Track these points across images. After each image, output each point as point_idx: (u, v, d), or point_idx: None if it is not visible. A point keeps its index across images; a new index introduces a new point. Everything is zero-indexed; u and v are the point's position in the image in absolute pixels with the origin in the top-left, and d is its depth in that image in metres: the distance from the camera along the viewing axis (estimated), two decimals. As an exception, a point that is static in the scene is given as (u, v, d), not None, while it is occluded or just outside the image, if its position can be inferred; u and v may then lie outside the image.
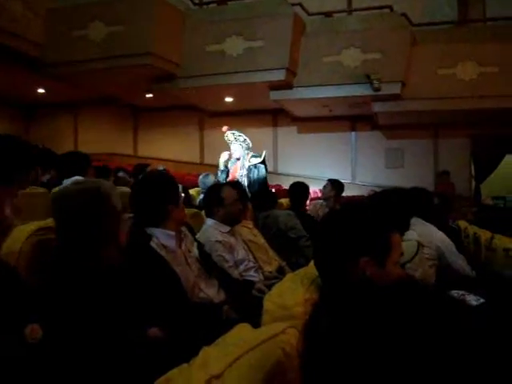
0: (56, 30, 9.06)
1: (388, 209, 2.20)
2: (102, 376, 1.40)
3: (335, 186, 5.88)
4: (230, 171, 7.28)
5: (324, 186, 6.06)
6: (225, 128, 7.64)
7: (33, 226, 2.07)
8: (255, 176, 7.11)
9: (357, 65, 9.60)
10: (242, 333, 1.04)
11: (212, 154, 12.65)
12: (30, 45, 8.77)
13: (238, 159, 7.31)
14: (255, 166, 7.20)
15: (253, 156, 7.29)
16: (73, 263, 1.73)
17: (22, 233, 1.97)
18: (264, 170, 7.26)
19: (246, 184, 6.90)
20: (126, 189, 3.85)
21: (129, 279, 2.10)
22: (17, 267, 1.77)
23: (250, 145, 7.36)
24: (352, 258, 1.42)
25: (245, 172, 7.19)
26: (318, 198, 7.08)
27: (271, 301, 1.46)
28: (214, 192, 3.44)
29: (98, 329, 1.53)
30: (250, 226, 3.88)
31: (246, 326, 1.13)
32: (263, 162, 7.31)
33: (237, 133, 7.39)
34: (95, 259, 1.78)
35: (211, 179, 6.77)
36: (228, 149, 7.47)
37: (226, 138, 7.46)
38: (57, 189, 3.43)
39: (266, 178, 7.26)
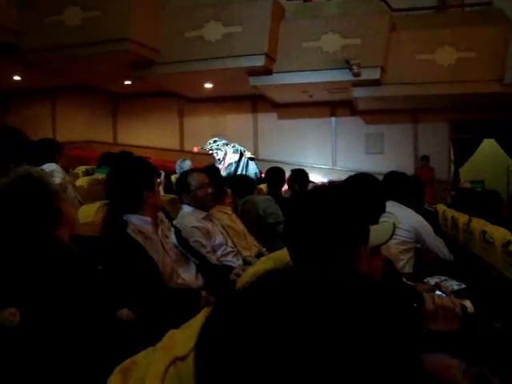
0: (30, 15, 8.89)
1: (363, 192, 2.19)
2: (70, 357, 1.38)
3: (297, 178, 5.58)
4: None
5: (288, 178, 5.81)
6: (196, 149, 7.74)
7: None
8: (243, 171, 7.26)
9: (336, 50, 9.58)
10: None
11: (192, 141, 12.60)
12: (3, 31, 8.60)
13: (220, 160, 7.41)
14: (237, 163, 7.32)
15: (233, 152, 7.40)
16: (26, 248, 1.69)
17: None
18: (254, 169, 7.39)
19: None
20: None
21: (104, 265, 2.09)
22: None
23: (223, 142, 7.47)
24: (352, 247, 1.30)
25: (230, 170, 7.32)
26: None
27: (243, 283, 1.45)
28: (182, 178, 3.44)
29: (61, 311, 1.51)
30: (229, 211, 3.87)
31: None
32: (241, 157, 7.39)
33: (207, 145, 7.48)
34: (46, 241, 1.73)
35: (188, 163, 6.76)
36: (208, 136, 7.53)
37: (208, 149, 7.54)
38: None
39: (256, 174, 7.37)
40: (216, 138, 7.51)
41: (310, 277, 1.26)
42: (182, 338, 0.79)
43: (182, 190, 3.40)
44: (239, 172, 7.48)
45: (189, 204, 3.35)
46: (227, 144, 7.49)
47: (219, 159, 7.53)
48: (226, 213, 3.78)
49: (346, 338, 0.74)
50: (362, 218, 1.35)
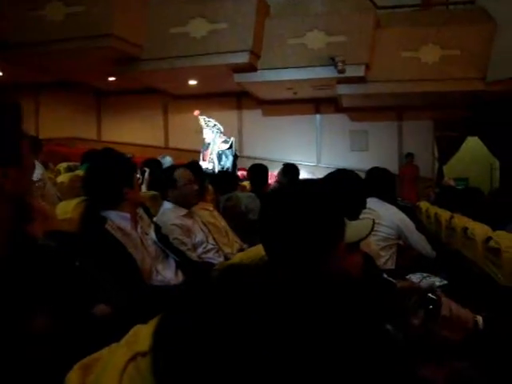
0: (12, 10, 8.77)
1: (343, 188, 2.18)
2: (41, 352, 1.36)
3: (287, 173, 5.57)
4: (201, 156, 7.35)
5: (279, 172, 5.83)
6: (196, 112, 7.66)
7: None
8: (224, 163, 7.19)
9: (321, 47, 9.59)
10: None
11: (177, 138, 12.57)
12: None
13: (209, 144, 7.35)
14: (224, 151, 7.27)
15: (223, 142, 7.35)
16: None
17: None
18: (231, 158, 7.32)
19: (215, 169, 6.95)
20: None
21: (82, 261, 2.06)
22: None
23: (222, 129, 7.41)
24: (327, 242, 1.26)
25: (215, 157, 7.26)
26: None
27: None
28: (167, 173, 3.41)
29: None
30: (210, 208, 3.85)
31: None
32: (230, 148, 7.36)
33: (207, 118, 7.42)
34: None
35: (168, 160, 6.74)
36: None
37: (205, 122, 7.48)
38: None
39: (233, 167, 7.31)
40: (216, 123, 7.53)
41: (285, 273, 1.24)
42: (146, 334, 0.77)
43: (167, 185, 3.36)
44: (228, 166, 7.46)
45: (171, 200, 3.33)
46: (219, 132, 7.51)
47: (208, 143, 7.51)
48: (208, 209, 3.75)
49: (321, 333, 0.73)
50: (338, 214, 1.33)
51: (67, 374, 0.81)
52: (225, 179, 4.92)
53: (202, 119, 7.44)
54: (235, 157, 7.56)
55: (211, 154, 7.35)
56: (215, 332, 0.65)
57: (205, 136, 7.48)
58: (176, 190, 3.31)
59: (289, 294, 0.78)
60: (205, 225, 3.46)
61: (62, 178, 5.03)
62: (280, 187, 1.51)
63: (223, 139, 7.46)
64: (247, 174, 5.68)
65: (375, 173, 3.77)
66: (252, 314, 0.69)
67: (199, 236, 3.29)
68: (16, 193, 1.13)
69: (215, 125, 7.47)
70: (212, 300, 0.71)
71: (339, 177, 2.48)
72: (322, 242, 1.27)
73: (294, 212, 1.28)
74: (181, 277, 2.70)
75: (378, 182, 3.65)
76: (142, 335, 0.78)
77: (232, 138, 7.56)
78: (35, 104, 13.75)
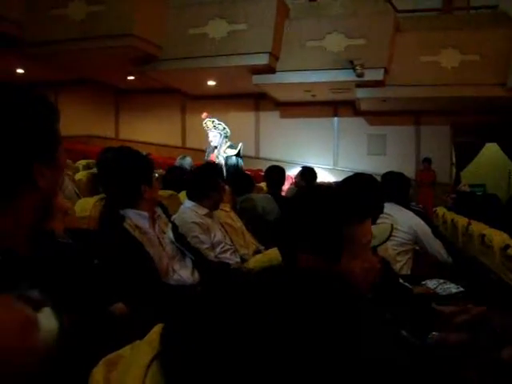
0: (36, 8, 8.90)
1: (358, 193, 2.17)
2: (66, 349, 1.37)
3: (305, 176, 5.67)
4: (207, 159, 7.35)
5: (296, 174, 5.92)
6: (204, 114, 7.66)
7: None
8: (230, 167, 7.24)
9: (340, 50, 9.58)
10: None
11: (194, 138, 12.61)
12: (9, 24, 8.58)
13: (216, 147, 7.36)
14: (230, 157, 7.29)
15: (229, 147, 7.35)
16: None
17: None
18: (235, 160, 7.34)
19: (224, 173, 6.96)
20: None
21: (100, 259, 2.08)
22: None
23: (229, 133, 7.41)
24: (338, 246, 1.28)
25: (222, 161, 7.27)
26: (292, 184, 7.03)
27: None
28: (213, 176, 3.45)
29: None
30: (228, 209, 3.86)
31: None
32: (238, 155, 7.37)
33: (216, 121, 7.42)
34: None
35: (188, 161, 6.76)
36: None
37: (204, 125, 7.48)
38: None
39: (237, 167, 7.31)
40: (226, 126, 7.53)
41: (297, 275, 1.25)
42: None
43: (210, 187, 3.37)
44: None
45: (209, 201, 3.34)
46: (226, 136, 7.52)
47: (215, 146, 7.52)
48: (225, 210, 3.76)
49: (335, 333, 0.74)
50: (348, 218, 1.34)
51: (91, 370, 0.82)
52: (241, 180, 4.93)
53: (210, 121, 7.44)
54: (237, 163, 7.54)
55: (217, 157, 7.37)
56: (227, 334, 0.66)
57: (211, 139, 7.48)
58: (218, 193, 3.35)
59: (304, 296, 0.78)
60: (222, 225, 3.47)
61: (80, 175, 5.07)
62: (298, 192, 1.52)
63: (229, 144, 7.47)
64: (264, 175, 5.69)
65: (390, 177, 3.75)
66: (268, 316, 0.70)
67: (218, 235, 3.30)
68: (48, 193, 1.14)
69: (224, 128, 7.48)
70: (225, 301, 0.71)
71: (357, 181, 2.47)
72: (338, 245, 1.28)
73: (309, 216, 1.30)
74: (197, 277, 2.71)
75: (393, 187, 3.63)
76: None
77: (240, 144, 7.55)
78: (54, 101, 13.71)
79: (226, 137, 7.40)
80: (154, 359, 0.73)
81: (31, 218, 1.17)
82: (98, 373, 0.79)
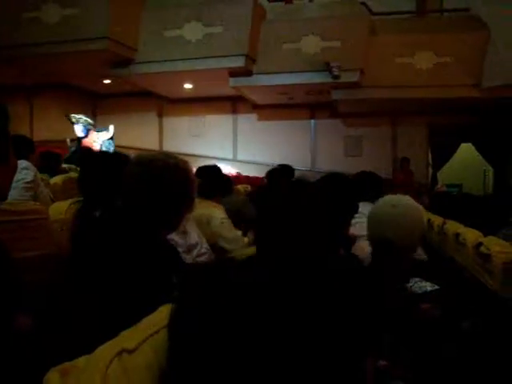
0: (6, 11, 8.76)
1: (335, 192, 2.19)
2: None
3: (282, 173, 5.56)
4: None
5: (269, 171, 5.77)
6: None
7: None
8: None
9: (316, 52, 9.63)
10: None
11: (171, 141, 12.56)
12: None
13: (83, 138, 9.30)
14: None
15: (98, 130, 9.34)
16: None
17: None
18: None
19: None
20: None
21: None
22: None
23: (92, 122, 8.64)
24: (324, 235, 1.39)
25: (98, 146, 8.79)
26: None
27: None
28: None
29: None
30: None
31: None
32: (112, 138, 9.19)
33: (77, 116, 9.63)
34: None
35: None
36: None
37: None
38: None
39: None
40: (87, 118, 8.88)
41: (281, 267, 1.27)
42: (132, 333, 0.78)
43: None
44: None
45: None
46: (91, 125, 8.95)
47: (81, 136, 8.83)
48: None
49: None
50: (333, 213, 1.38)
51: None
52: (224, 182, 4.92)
53: (73, 117, 8.90)
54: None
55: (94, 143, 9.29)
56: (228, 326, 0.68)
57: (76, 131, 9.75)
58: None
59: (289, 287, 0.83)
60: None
61: (56, 179, 5.03)
62: (276, 188, 1.54)
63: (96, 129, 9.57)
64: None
65: (362, 177, 3.78)
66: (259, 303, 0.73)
67: (194, 238, 3.28)
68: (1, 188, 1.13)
69: (86, 120, 9.51)
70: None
71: (333, 181, 2.48)
72: (321, 238, 1.31)
73: (293, 210, 1.33)
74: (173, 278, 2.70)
75: (366, 186, 3.65)
76: (127, 334, 0.78)
77: (111, 126, 9.16)
78: (29, 106, 13.69)
79: (91, 124, 8.79)
80: (117, 356, 0.72)
81: None
82: (53, 379, 0.77)
